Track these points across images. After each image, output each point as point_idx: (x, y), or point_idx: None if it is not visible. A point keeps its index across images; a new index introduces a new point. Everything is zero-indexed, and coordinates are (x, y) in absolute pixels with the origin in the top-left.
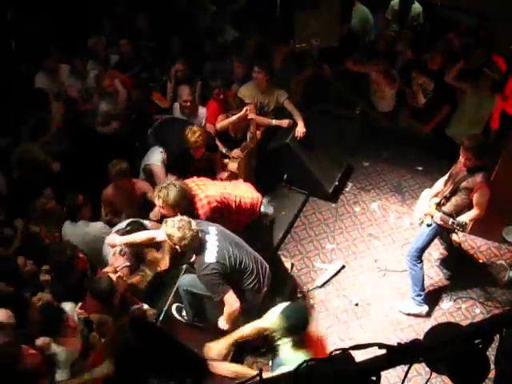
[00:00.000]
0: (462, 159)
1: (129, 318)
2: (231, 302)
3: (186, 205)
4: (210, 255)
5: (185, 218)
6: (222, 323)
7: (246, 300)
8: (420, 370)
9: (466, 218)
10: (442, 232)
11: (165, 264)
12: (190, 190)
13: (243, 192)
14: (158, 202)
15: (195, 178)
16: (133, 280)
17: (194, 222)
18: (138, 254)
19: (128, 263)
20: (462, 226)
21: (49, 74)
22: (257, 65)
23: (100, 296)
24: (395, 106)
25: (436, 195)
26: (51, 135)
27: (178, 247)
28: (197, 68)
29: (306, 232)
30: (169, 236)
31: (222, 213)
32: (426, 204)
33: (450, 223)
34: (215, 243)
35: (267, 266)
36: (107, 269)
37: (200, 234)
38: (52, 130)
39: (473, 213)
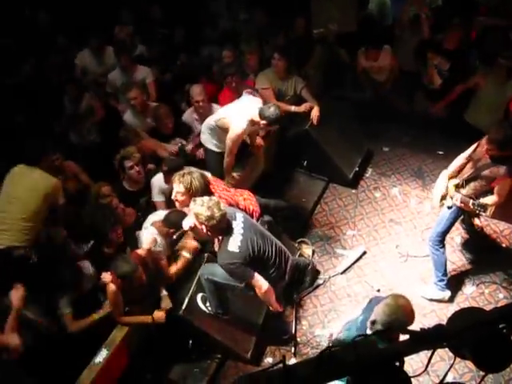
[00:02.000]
0: (484, 148)
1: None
2: (259, 284)
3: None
4: (234, 244)
5: (214, 198)
6: (272, 308)
7: None
8: (443, 355)
9: (486, 200)
10: (463, 216)
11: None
12: (209, 184)
13: (249, 203)
14: (179, 187)
15: (210, 176)
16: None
17: (222, 204)
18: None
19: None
20: (483, 207)
21: (94, 54)
22: (277, 52)
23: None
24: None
25: (455, 175)
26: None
27: (204, 227)
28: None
29: (326, 218)
30: (196, 215)
31: None
32: (443, 184)
33: (470, 204)
34: (240, 231)
35: (290, 256)
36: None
37: (227, 217)
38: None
39: (492, 199)
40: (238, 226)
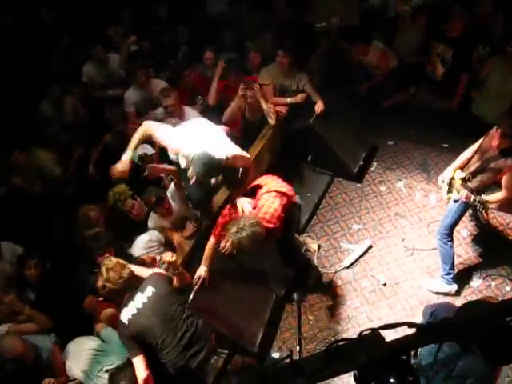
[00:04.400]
0: (494, 141)
1: None
2: (139, 369)
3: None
4: (125, 315)
5: (120, 260)
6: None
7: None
8: None
9: (491, 197)
10: (470, 208)
11: None
12: (259, 220)
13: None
14: (228, 243)
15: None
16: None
17: (129, 268)
18: (167, 241)
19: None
20: (483, 204)
21: (97, 65)
22: (281, 49)
23: None
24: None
25: (461, 168)
26: None
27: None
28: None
29: (331, 213)
30: (107, 280)
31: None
32: (449, 176)
33: (471, 200)
34: (139, 305)
35: (205, 345)
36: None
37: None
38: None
39: (501, 195)
40: (139, 299)
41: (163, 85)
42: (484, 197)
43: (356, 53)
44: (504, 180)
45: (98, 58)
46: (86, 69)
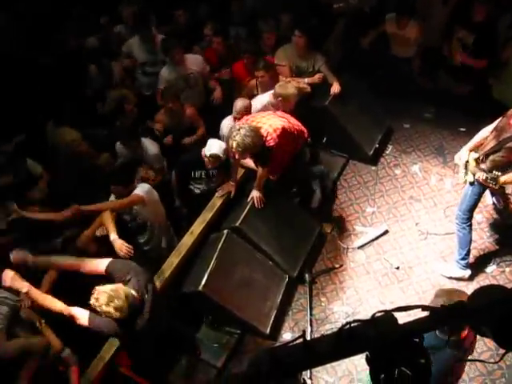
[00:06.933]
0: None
1: None
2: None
3: (259, 143)
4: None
5: (118, 286)
6: None
7: None
8: None
9: (505, 178)
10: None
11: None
12: (256, 126)
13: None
14: (235, 148)
15: (255, 114)
16: None
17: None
18: None
19: None
20: (495, 180)
21: (143, 41)
22: (298, 29)
23: None
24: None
25: (475, 148)
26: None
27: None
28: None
29: (346, 195)
30: (107, 315)
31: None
32: (465, 158)
33: (483, 177)
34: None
35: None
36: None
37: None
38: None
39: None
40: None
41: (200, 59)
42: (500, 178)
43: (396, 25)
44: None
45: (146, 37)
46: (131, 41)
